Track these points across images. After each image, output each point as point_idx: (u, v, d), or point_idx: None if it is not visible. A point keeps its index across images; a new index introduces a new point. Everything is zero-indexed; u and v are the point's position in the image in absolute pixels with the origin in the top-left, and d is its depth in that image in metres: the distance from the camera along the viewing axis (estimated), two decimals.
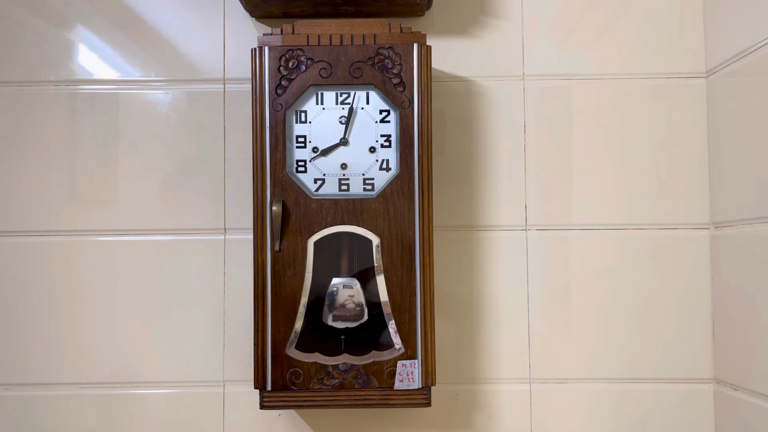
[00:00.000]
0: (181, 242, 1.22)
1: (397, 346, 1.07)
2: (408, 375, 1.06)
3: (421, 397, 1.07)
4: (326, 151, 1.10)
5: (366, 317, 1.09)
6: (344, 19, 1.10)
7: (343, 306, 1.09)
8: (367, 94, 1.10)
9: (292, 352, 1.07)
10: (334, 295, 1.09)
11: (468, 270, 1.21)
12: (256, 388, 1.07)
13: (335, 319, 1.09)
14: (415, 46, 1.07)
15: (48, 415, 1.21)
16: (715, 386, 1.19)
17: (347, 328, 1.09)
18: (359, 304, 1.09)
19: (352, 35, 1.08)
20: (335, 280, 1.10)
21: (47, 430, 1.21)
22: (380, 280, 1.07)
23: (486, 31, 1.24)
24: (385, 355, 1.07)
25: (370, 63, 1.08)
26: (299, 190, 1.07)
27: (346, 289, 1.09)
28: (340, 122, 1.10)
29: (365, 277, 1.10)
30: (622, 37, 1.23)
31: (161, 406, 1.21)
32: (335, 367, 1.06)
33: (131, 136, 1.23)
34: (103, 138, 1.23)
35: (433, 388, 1.14)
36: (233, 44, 1.24)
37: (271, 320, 1.06)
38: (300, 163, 1.09)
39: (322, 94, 1.10)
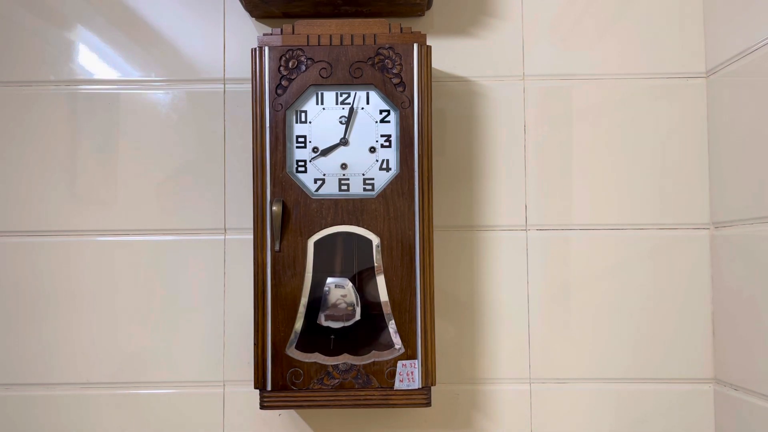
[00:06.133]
0: (180, 242, 1.22)
1: (397, 346, 1.07)
2: (408, 375, 1.06)
3: (421, 397, 1.07)
4: (326, 151, 1.10)
5: (358, 317, 1.08)
6: (344, 19, 1.10)
7: (335, 306, 1.09)
8: (367, 94, 1.10)
9: (292, 352, 1.07)
10: (326, 294, 1.09)
11: (468, 270, 1.21)
12: (256, 388, 1.07)
13: (327, 318, 1.09)
14: (415, 46, 1.07)
15: (48, 415, 1.21)
16: (715, 386, 1.19)
17: (340, 328, 1.09)
18: (350, 304, 1.08)
19: (352, 35, 1.08)
20: (329, 280, 1.10)
21: (47, 431, 1.21)
22: (380, 280, 1.07)
23: (486, 31, 1.24)
24: (385, 355, 1.07)
25: (370, 63, 1.08)
26: (299, 190, 1.07)
27: (338, 289, 1.09)
28: (340, 122, 1.10)
29: (365, 277, 1.10)
30: (623, 37, 1.23)
31: (161, 406, 1.21)
32: (335, 367, 1.06)
33: (131, 136, 1.23)
34: (103, 138, 1.23)
35: (433, 388, 1.14)
36: (233, 44, 1.24)
37: (271, 320, 1.06)
38: (300, 163, 1.09)
39: (322, 94, 1.10)
